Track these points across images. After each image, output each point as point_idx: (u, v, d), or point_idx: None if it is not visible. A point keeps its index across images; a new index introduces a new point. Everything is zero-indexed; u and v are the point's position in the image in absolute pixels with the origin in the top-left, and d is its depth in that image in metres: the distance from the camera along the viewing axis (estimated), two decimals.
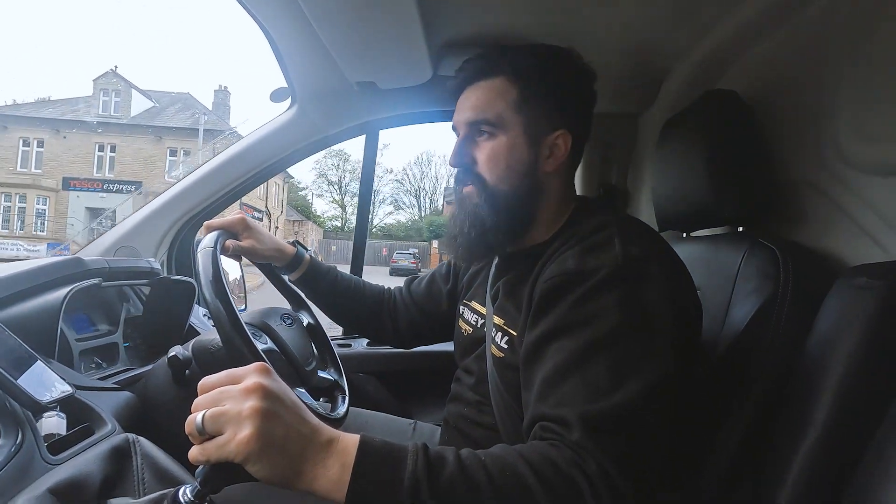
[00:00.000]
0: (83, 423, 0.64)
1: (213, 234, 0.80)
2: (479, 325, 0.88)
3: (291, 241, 1.03)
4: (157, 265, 1.09)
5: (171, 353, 0.75)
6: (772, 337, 0.74)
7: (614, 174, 1.42)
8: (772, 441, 0.68)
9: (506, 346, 0.75)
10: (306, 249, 1.03)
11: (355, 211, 1.61)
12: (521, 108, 0.74)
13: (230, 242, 0.88)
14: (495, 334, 0.78)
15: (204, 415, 0.45)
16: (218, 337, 0.70)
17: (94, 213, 19.73)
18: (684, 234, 1.10)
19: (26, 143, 19.74)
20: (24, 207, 19.29)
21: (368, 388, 1.48)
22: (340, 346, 1.49)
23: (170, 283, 1.09)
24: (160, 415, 0.76)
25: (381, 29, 0.99)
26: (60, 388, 0.61)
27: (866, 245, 0.78)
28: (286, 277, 1.04)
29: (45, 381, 0.61)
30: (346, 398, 0.97)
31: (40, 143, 19.75)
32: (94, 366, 0.94)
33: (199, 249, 0.77)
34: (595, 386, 0.55)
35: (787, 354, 0.72)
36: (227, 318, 0.66)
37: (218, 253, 0.76)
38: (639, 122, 1.33)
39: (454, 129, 0.81)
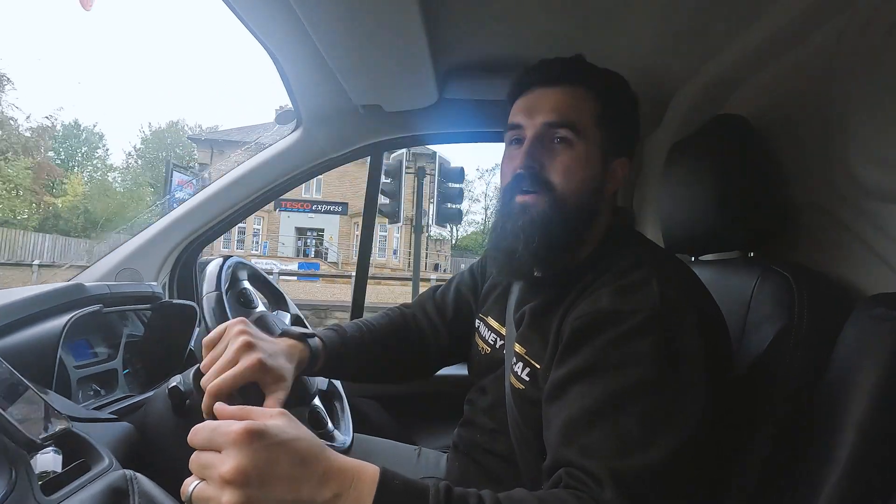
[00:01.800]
0: (79, 459, 0.62)
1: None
2: (497, 346, 0.84)
3: (292, 332, 0.78)
4: (158, 289, 1.08)
5: (172, 383, 0.73)
6: (787, 368, 0.72)
7: (620, 194, 1.41)
8: (792, 480, 0.66)
9: (527, 379, 0.71)
10: (313, 336, 0.81)
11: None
12: (601, 123, 0.71)
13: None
14: (515, 363, 0.74)
15: (192, 490, 0.43)
16: None
17: (300, 232, 21.34)
18: (693, 258, 1.08)
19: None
20: (244, 227, 20.22)
21: (370, 413, 1.45)
22: None
23: (171, 307, 1.07)
24: (159, 447, 0.74)
25: (388, 54, 1.00)
26: (56, 423, 0.59)
27: (883, 273, 0.77)
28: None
29: (40, 416, 0.59)
30: (350, 427, 0.94)
31: None
32: (91, 393, 0.92)
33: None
34: (626, 438, 0.53)
35: (804, 387, 0.70)
36: None
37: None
38: (645, 143, 1.33)
39: (515, 127, 0.73)
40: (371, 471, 0.46)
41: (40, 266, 12.68)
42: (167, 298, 1.16)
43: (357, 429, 1.04)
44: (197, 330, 1.12)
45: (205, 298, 0.87)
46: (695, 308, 0.63)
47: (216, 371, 0.62)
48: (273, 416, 0.46)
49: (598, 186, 0.72)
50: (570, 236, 0.70)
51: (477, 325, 0.91)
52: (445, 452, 0.99)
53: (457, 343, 0.96)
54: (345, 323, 0.92)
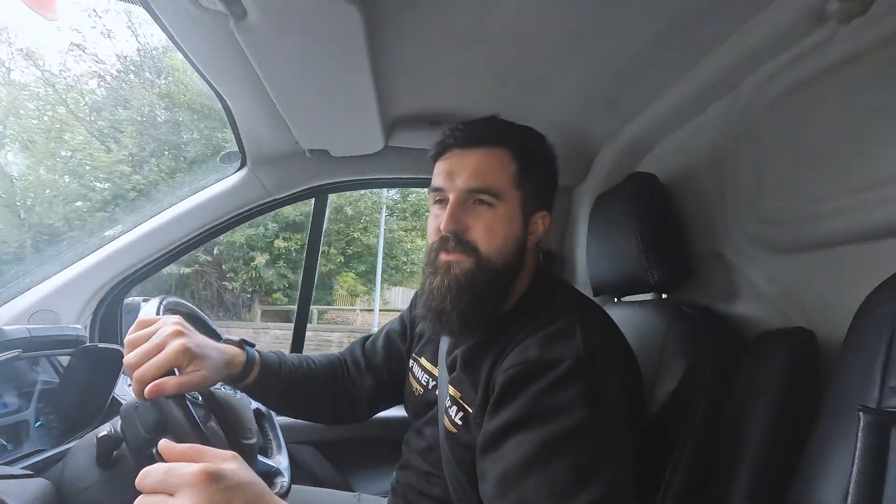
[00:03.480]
0: None
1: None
2: (429, 387, 0.86)
3: (233, 339, 0.83)
4: (83, 333, 1.01)
5: (102, 431, 0.69)
6: (697, 399, 0.80)
7: (551, 240, 1.52)
8: (706, 492, 0.73)
9: (460, 423, 0.73)
10: (253, 346, 0.85)
11: None
12: (519, 184, 0.74)
13: (171, 381, 0.63)
14: (449, 406, 0.76)
15: None
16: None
17: None
18: (616, 299, 1.18)
19: None
20: None
21: (307, 460, 1.40)
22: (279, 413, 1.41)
23: (95, 351, 1.00)
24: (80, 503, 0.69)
25: (338, 103, 1.05)
26: None
27: (767, 311, 0.89)
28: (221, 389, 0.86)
29: None
30: (288, 477, 0.92)
31: None
32: None
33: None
34: (561, 486, 0.54)
35: (711, 414, 0.78)
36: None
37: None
38: (573, 193, 1.46)
39: (437, 189, 0.76)
40: None
41: None
42: (91, 342, 1.09)
43: (294, 477, 1.01)
44: (122, 377, 1.05)
45: None
46: (615, 354, 0.68)
47: (142, 354, 0.64)
48: (227, 459, 0.46)
49: (520, 244, 0.75)
50: (495, 293, 0.73)
51: (410, 365, 0.93)
52: (386, 497, 0.99)
53: (386, 388, 0.97)
54: (286, 353, 0.94)
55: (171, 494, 0.43)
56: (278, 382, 0.86)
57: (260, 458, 0.91)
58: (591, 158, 1.37)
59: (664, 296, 1.06)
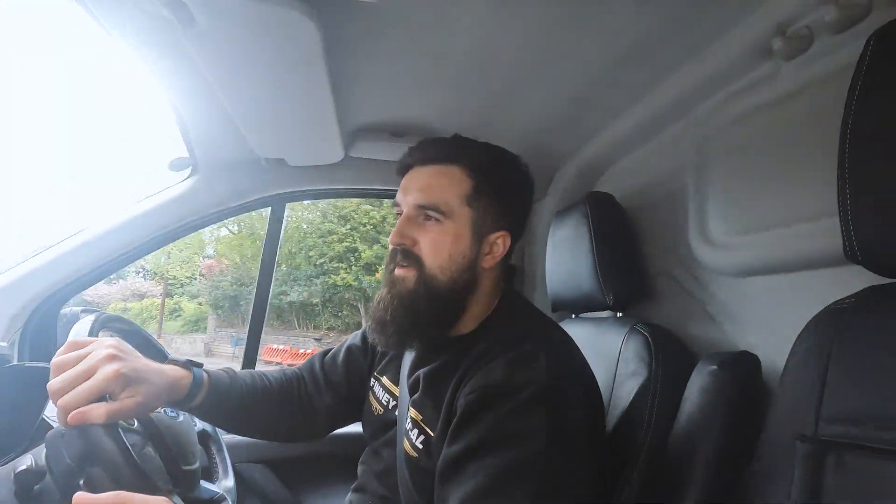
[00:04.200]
0: None
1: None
2: (389, 407, 0.84)
3: (178, 360, 0.77)
4: (7, 349, 0.93)
5: (21, 466, 0.63)
6: (649, 415, 0.82)
7: (513, 255, 1.53)
8: (659, 499, 0.74)
9: (420, 447, 0.72)
10: (200, 366, 0.81)
11: None
12: (472, 202, 0.73)
13: (100, 408, 0.59)
14: (411, 429, 0.74)
15: None
16: None
17: None
18: (573, 315, 1.20)
19: None
20: None
21: (257, 479, 1.34)
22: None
23: (23, 371, 0.93)
24: None
25: (294, 111, 1.01)
26: None
27: (715, 330, 0.92)
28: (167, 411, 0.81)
29: None
30: (232, 502, 0.88)
31: None
32: None
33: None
34: None
35: (661, 431, 0.80)
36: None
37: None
38: (534, 209, 1.47)
39: (396, 204, 0.78)
40: None
41: None
42: (17, 360, 1.00)
43: (243, 499, 0.96)
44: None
45: None
46: (579, 381, 0.69)
47: (69, 380, 0.58)
48: None
49: (470, 262, 0.74)
50: (439, 311, 0.73)
51: (371, 384, 0.91)
52: None
53: (345, 405, 0.95)
54: (238, 371, 0.89)
55: None
56: (229, 402, 0.82)
57: (203, 483, 0.86)
58: (552, 175, 1.39)
59: (619, 314, 1.08)
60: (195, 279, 19.03)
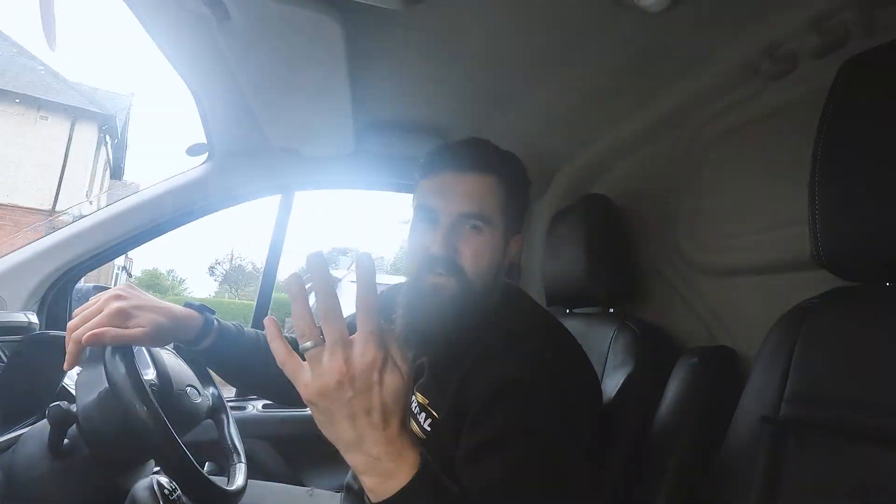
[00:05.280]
0: None
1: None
2: None
3: (193, 304, 0.84)
4: (34, 319, 0.98)
5: (53, 405, 0.69)
6: (634, 405, 0.88)
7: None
8: (640, 484, 0.81)
9: (429, 429, 0.75)
10: (213, 313, 0.86)
11: None
12: (504, 210, 0.76)
13: (109, 331, 0.66)
14: (418, 413, 0.78)
15: (314, 346, 0.45)
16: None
17: None
18: (567, 310, 1.26)
19: None
20: None
21: (259, 454, 1.40)
22: (233, 408, 1.41)
23: (47, 339, 0.98)
24: (31, 492, 0.68)
25: (312, 104, 1.06)
26: None
27: (699, 326, 0.99)
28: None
29: None
30: (244, 468, 0.93)
31: None
32: None
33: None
34: (536, 499, 0.59)
35: (644, 419, 0.87)
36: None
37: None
38: (532, 208, 1.53)
39: (429, 209, 0.76)
40: (415, 456, 0.47)
41: None
42: (41, 329, 1.05)
43: (247, 472, 1.02)
44: None
45: None
46: (583, 372, 0.74)
47: (80, 319, 0.68)
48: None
49: (499, 267, 0.78)
50: (475, 314, 0.75)
51: None
52: (339, 492, 1.01)
53: None
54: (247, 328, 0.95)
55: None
56: (235, 353, 0.87)
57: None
58: (551, 176, 1.45)
59: (611, 310, 1.15)
60: None
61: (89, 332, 0.65)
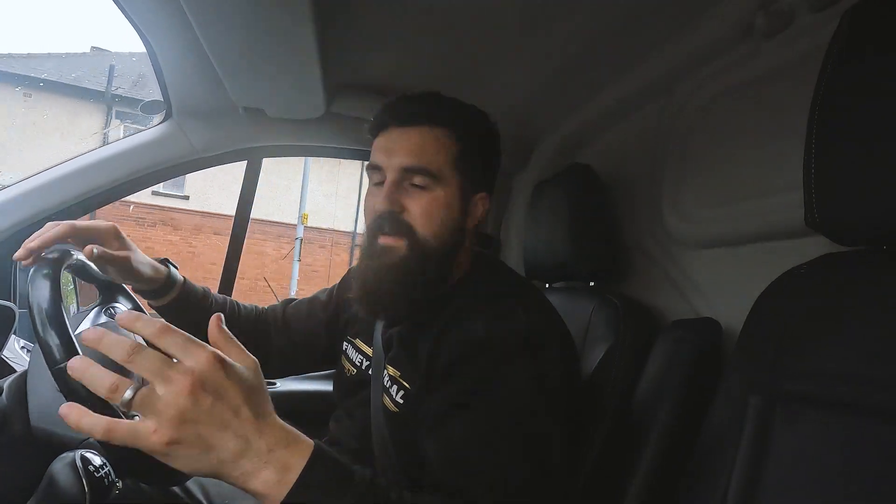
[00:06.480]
0: None
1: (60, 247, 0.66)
2: (363, 367, 0.84)
3: (160, 259, 0.84)
4: None
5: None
6: (614, 378, 0.86)
7: (490, 223, 1.54)
8: (619, 459, 0.78)
9: (401, 402, 0.72)
10: (176, 268, 0.86)
11: None
12: (459, 165, 0.71)
13: (96, 248, 0.68)
14: (390, 386, 0.74)
15: (136, 391, 0.38)
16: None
17: None
18: (547, 285, 1.23)
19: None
20: None
21: None
22: None
23: None
24: None
25: (276, 59, 0.98)
26: None
27: (682, 301, 0.97)
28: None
29: None
30: None
31: None
32: None
33: (38, 265, 0.61)
34: (504, 461, 0.56)
35: (625, 392, 0.84)
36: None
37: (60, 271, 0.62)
38: (513, 180, 1.48)
39: (375, 167, 0.73)
40: (306, 440, 0.45)
41: None
42: None
43: None
44: (12, 337, 0.95)
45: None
46: (557, 333, 0.70)
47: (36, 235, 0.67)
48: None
49: (458, 225, 0.73)
50: (431, 276, 0.71)
51: (345, 347, 0.91)
52: None
53: (299, 352, 0.97)
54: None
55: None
56: (198, 312, 0.86)
57: None
58: (533, 147, 1.40)
59: (591, 283, 1.11)
60: None
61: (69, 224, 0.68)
